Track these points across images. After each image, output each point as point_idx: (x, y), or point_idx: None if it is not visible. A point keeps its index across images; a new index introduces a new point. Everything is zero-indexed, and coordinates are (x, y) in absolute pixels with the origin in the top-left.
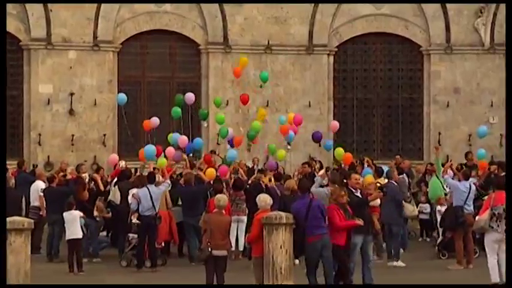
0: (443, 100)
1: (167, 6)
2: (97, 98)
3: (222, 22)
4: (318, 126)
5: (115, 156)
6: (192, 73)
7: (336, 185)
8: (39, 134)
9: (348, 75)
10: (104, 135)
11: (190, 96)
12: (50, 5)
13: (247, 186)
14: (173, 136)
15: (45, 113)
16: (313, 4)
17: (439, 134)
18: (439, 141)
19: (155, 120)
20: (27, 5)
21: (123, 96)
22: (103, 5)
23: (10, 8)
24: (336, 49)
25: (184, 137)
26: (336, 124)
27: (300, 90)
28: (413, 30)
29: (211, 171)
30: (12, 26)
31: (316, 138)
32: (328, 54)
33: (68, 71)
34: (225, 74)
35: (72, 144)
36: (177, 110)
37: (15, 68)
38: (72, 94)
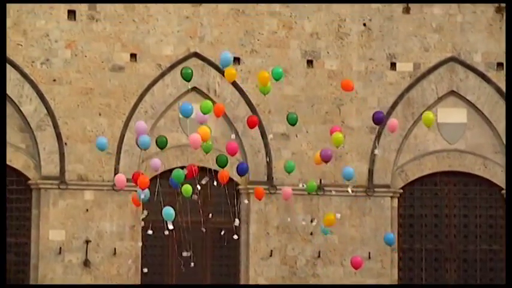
0: None
1: None
2: (117, 246)
3: (265, 158)
4: (379, 281)
5: (121, 177)
6: (229, 217)
7: None
8: None
9: (415, 222)
10: None
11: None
12: (64, 138)
13: None
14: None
15: (56, 264)
16: (373, 137)
17: None
18: None
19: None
20: (39, 138)
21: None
22: (126, 138)
23: (19, 141)
24: (401, 191)
25: None
26: (395, 123)
27: (358, 239)
28: (494, 170)
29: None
30: (20, 162)
31: (378, 119)
32: (392, 197)
33: (83, 215)
34: (269, 219)
35: None
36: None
37: (22, 211)
38: (87, 242)
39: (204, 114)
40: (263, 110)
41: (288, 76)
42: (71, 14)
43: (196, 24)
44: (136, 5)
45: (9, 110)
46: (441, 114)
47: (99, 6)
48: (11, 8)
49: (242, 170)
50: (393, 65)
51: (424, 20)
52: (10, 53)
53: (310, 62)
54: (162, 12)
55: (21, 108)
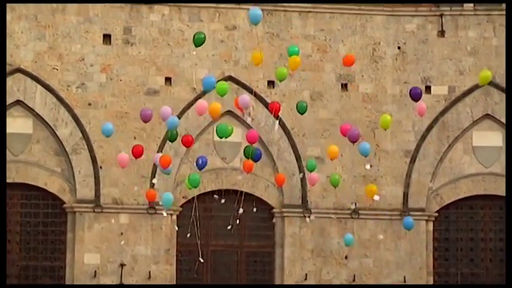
0: None
1: (236, 162)
2: (152, 270)
3: (300, 181)
4: None
5: (124, 156)
6: (264, 241)
7: None
8: None
9: (450, 246)
10: None
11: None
12: (99, 162)
13: None
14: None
15: None
16: (408, 161)
17: None
18: None
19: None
20: (74, 162)
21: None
22: None
23: (54, 165)
24: (436, 214)
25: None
26: (423, 107)
27: (393, 262)
28: None
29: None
30: (55, 186)
31: (415, 94)
32: (427, 220)
33: (118, 238)
34: (304, 243)
35: None
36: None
37: (58, 235)
38: (122, 265)
39: (221, 95)
40: (297, 133)
41: (323, 99)
42: (106, 38)
43: (231, 47)
44: (171, 28)
45: (45, 133)
46: (476, 137)
47: (134, 30)
48: (47, 33)
49: (256, 156)
50: (428, 88)
51: (458, 43)
52: (46, 76)
53: (344, 86)
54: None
55: (57, 132)
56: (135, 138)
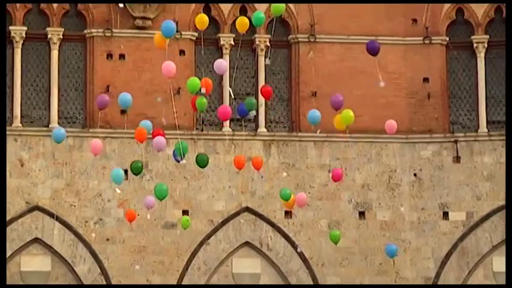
0: None
1: None
2: None
3: None
4: None
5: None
6: None
7: None
8: None
9: None
10: None
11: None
12: None
13: None
14: None
15: None
16: None
17: None
18: None
19: None
20: None
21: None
22: None
23: None
24: None
25: None
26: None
27: None
28: None
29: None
30: None
31: (371, 48)
32: None
33: None
34: None
35: None
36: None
37: None
38: None
39: (191, 92)
40: (316, 263)
41: (340, 228)
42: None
43: (247, 179)
44: (187, 163)
45: (63, 270)
46: (497, 263)
47: (150, 164)
48: (64, 170)
49: (242, 111)
50: (446, 215)
51: (474, 168)
52: (63, 213)
53: (362, 214)
54: (213, 169)
55: (75, 269)
56: (153, 272)
